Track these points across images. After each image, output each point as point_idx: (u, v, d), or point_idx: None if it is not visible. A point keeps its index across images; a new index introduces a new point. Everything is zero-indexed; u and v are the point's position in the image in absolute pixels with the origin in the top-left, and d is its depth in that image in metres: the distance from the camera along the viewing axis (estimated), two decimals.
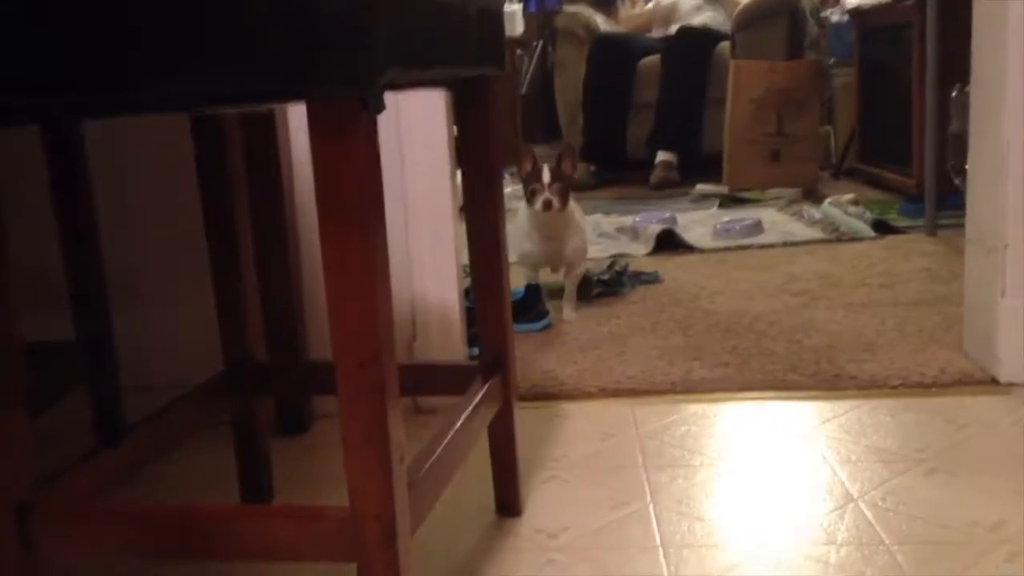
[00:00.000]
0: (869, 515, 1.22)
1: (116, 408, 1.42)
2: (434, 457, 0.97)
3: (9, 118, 0.87)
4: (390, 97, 0.81)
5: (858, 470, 1.36)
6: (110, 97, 0.80)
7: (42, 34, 0.77)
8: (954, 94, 2.82)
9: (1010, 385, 1.65)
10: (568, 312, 2.25)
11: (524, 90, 5.71)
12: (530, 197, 2.17)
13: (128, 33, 0.76)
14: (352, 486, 0.82)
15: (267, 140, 1.50)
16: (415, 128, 1.62)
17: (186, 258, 1.58)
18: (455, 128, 1.43)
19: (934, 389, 1.67)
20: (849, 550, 1.14)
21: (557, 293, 2.30)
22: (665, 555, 1.15)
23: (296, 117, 1.56)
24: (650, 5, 4.97)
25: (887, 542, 1.15)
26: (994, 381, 1.67)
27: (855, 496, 1.28)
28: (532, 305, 2.17)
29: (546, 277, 2.33)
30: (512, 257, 2.19)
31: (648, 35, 4.86)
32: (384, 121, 0.78)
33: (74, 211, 1.33)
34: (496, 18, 1.14)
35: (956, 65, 2.21)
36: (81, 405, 1.41)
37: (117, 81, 0.78)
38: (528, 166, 2.17)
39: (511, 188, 3.94)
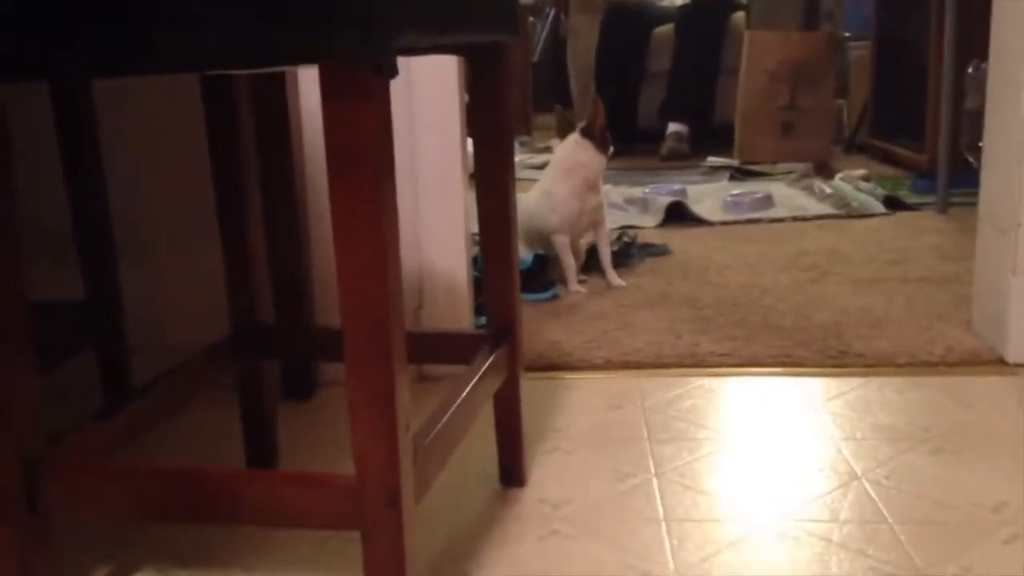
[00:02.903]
0: (872, 493, 1.22)
1: (124, 368, 1.43)
2: (440, 425, 0.96)
3: (18, 74, 0.86)
4: (403, 62, 0.80)
5: (863, 447, 1.36)
6: (120, 53, 0.79)
7: None
8: (971, 70, 2.79)
9: (1018, 365, 1.64)
10: (615, 277, 2.25)
11: (536, 58, 5.66)
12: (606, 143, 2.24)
13: None
14: (357, 451, 0.82)
15: (277, 104, 1.49)
16: (427, 95, 1.61)
17: (196, 220, 1.58)
18: (467, 95, 1.42)
19: (941, 368, 1.66)
20: (852, 527, 1.14)
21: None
22: (668, 528, 1.15)
23: (306, 79, 1.55)
24: None
25: (890, 520, 1.15)
26: (1002, 361, 1.66)
27: (859, 473, 1.28)
28: (540, 274, 2.16)
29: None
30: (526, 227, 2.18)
31: (662, 3, 4.81)
32: (396, 87, 0.78)
33: (82, 170, 1.33)
34: None
35: (974, 40, 2.19)
36: (90, 365, 1.41)
37: (124, 31, 0.77)
38: (600, 119, 2.24)
39: (521, 157, 3.94)
